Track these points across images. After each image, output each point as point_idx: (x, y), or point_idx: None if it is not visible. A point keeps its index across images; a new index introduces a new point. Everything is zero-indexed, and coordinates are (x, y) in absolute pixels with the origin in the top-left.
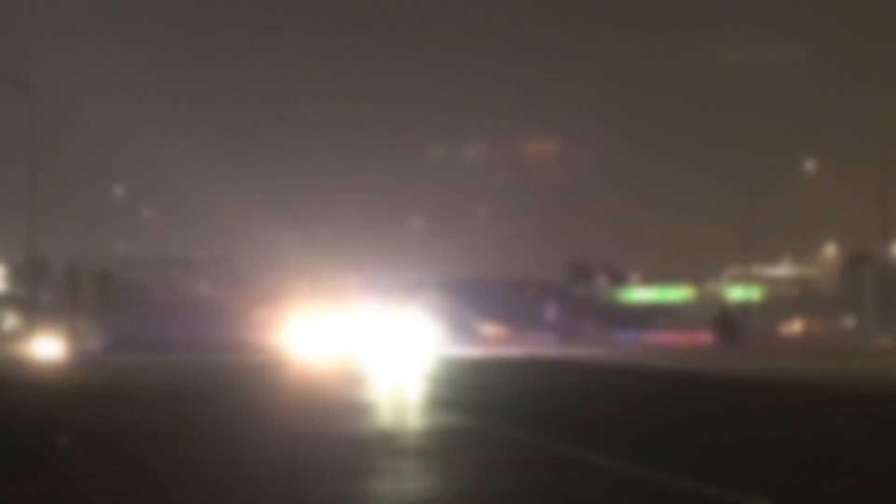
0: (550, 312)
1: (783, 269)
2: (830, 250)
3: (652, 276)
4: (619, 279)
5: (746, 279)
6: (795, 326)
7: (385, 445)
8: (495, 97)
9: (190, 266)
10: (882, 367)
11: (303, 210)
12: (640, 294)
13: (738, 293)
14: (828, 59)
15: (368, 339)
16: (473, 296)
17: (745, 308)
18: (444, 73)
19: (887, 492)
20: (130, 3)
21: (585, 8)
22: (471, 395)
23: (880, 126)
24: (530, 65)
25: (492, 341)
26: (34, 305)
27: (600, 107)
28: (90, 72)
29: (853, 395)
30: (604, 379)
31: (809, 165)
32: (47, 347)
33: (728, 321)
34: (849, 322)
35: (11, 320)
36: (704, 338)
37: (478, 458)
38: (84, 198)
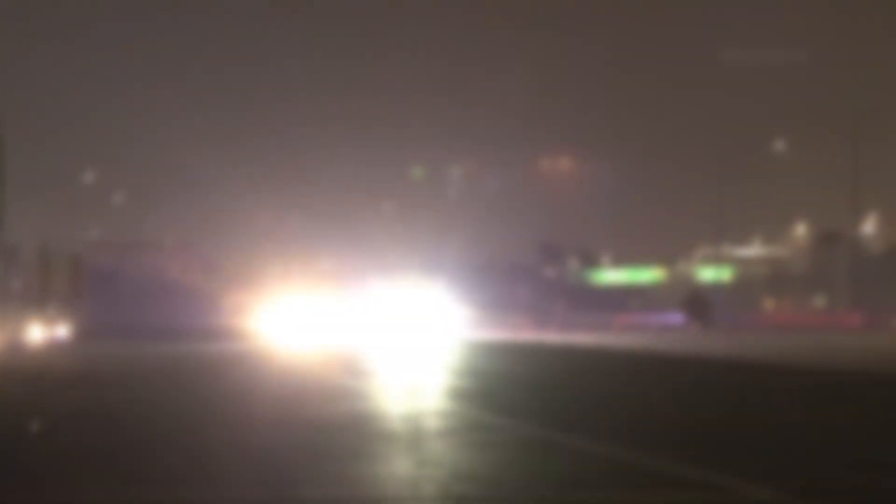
0: (522, 294)
1: (754, 249)
2: (801, 230)
3: (623, 258)
4: (591, 260)
5: (717, 259)
6: (767, 306)
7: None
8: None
9: (161, 251)
10: (853, 344)
11: (276, 193)
12: (611, 276)
13: (708, 273)
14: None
15: (366, 325)
16: (443, 277)
17: (716, 288)
18: None
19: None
20: None
21: None
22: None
23: (850, 103)
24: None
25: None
26: (4, 292)
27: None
28: (59, 54)
29: (825, 372)
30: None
31: (779, 144)
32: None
33: (699, 302)
34: (820, 301)
35: None
36: (675, 318)
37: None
38: (54, 183)
